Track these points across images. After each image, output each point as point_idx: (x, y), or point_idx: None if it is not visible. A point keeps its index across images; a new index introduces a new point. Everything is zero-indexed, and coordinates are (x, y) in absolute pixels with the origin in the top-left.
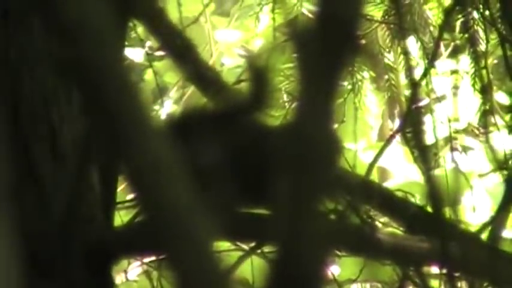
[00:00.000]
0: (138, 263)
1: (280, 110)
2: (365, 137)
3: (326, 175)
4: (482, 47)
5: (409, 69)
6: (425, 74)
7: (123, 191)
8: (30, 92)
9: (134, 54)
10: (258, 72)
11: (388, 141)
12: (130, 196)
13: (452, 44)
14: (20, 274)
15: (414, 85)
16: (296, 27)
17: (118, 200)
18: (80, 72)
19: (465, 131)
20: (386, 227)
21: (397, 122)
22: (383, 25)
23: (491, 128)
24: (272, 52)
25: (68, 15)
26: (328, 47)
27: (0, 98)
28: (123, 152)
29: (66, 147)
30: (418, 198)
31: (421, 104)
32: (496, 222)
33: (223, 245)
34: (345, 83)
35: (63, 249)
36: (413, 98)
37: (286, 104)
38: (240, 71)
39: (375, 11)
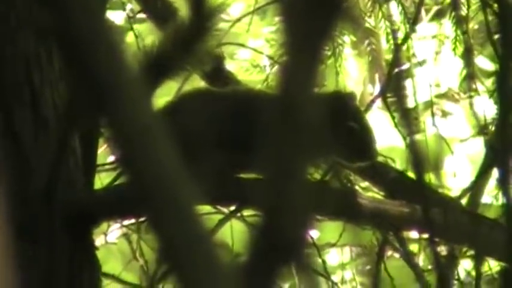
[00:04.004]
0: (118, 225)
1: (261, 74)
2: None
3: (309, 139)
4: (463, 11)
5: (392, 33)
6: (407, 38)
7: (103, 154)
8: (12, 56)
9: (115, 17)
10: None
11: (369, 106)
12: (110, 159)
13: (433, 8)
14: (6, 238)
15: (396, 48)
16: None
17: (98, 162)
18: (63, 35)
19: (446, 95)
20: (367, 191)
21: (377, 87)
22: None
23: (472, 93)
24: None
25: None
26: (313, 10)
27: None
28: (107, 115)
29: (48, 110)
30: (398, 163)
31: (402, 68)
32: (476, 188)
33: (203, 208)
34: (326, 48)
35: (44, 213)
36: (395, 63)
37: (268, 67)
38: (222, 34)
39: None
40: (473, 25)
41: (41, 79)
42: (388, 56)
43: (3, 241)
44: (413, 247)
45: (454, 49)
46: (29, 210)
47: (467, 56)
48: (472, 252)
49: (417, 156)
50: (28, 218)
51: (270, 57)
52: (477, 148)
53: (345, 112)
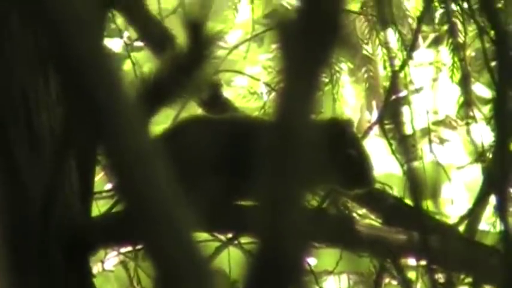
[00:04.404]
0: (115, 253)
1: (258, 101)
2: None
3: (307, 166)
4: (460, 39)
5: (389, 60)
6: (404, 65)
7: (101, 181)
8: (8, 78)
9: (113, 44)
10: (194, 23)
11: (366, 133)
12: (108, 186)
13: (430, 35)
14: (1, 263)
15: (393, 75)
16: (279, 18)
17: (95, 189)
18: (61, 60)
19: (443, 122)
20: (364, 218)
21: (375, 114)
22: (361, 16)
23: (469, 120)
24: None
25: (52, 3)
26: (311, 38)
27: None
28: (105, 141)
29: (44, 134)
30: (395, 190)
31: (400, 95)
32: (473, 215)
33: (200, 235)
34: (323, 75)
35: (40, 238)
36: (392, 90)
37: (265, 95)
38: (219, 61)
39: (353, 2)
40: (470, 52)
41: (37, 102)
42: (386, 83)
43: None
44: (411, 274)
45: (451, 76)
46: (25, 235)
47: (465, 83)
48: (469, 279)
49: (415, 183)
50: (24, 244)
51: (267, 85)
52: (474, 175)
53: (342, 139)
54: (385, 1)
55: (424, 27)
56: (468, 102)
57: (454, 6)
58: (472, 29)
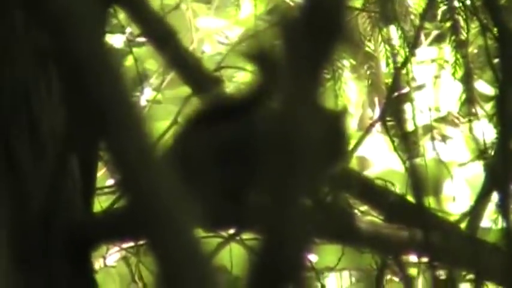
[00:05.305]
0: (117, 248)
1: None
2: None
3: (310, 163)
4: (463, 36)
5: (391, 57)
6: (406, 62)
7: (102, 177)
8: (10, 82)
9: (115, 40)
10: (263, 58)
11: (368, 129)
12: (110, 182)
13: (433, 32)
14: (5, 261)
15: (396, 72)
16: (282, 14)
17: (97, 185)
18: (64, 61)
19: (445, 120)
20: (366, 215)
21: (377, 111)
22: (363, 13)
23: (471, 117)
24: (262, 37)
25: (54, 3)
26: (314, 34)
27: None
28: (107, 138)
29: (46, 136)
30: (397, 187)
31: (402, 92)
32: (475, 212)
33: (202, 231)
34: (325, 71)
35: (42, 237)
36: (394, 86)
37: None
38: (220, 58)
39: None
40: (472, 49)
41: (40, 105)
42: (388, 80)
43: (1, 266)
44: (413, 271)
45: (453, 73)
46: (27, 234)
47: (467, 80)
48: (471, 276)
49: (416, 180)
50: (26, 243)
51: None
52: (476, 172)
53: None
54: None
55: (427, 24)
56: (470, 99)
57: (456, 3)
58: (474, 26)
